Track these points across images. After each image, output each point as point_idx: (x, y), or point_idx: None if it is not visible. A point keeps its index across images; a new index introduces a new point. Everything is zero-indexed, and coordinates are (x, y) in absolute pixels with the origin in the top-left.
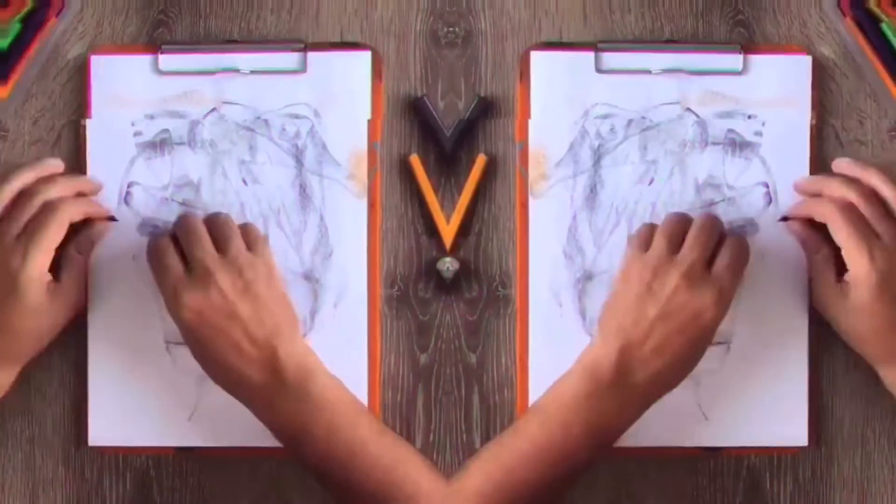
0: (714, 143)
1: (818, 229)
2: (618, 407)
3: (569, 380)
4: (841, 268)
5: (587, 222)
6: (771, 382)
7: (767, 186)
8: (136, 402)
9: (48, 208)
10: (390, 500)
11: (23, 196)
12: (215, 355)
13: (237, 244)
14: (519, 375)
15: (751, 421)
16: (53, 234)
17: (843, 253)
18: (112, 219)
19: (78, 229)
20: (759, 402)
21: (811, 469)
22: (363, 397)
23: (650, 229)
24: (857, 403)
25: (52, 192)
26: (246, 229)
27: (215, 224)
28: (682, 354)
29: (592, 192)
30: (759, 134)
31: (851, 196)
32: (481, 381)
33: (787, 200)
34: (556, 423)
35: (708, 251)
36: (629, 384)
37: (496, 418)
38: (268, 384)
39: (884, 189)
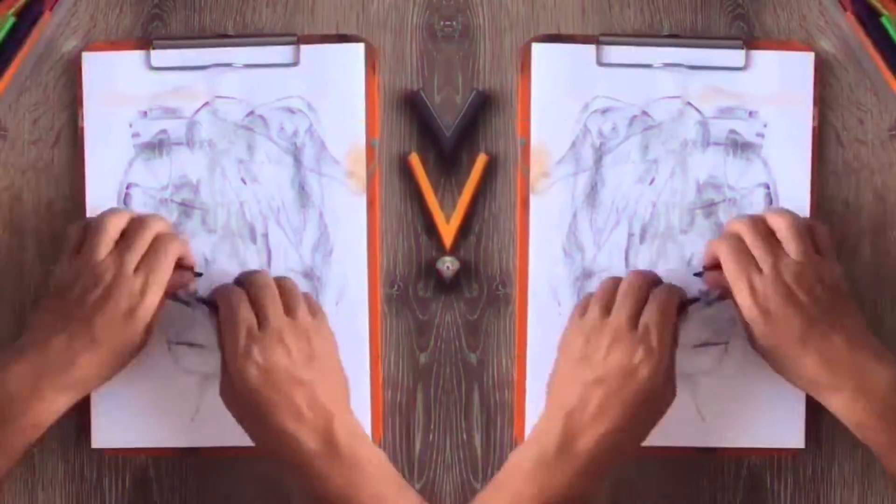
0: (716, 144)
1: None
2: (567, 476)
3: (521, 453)
4: None
5: (587, 221)
6: (768, 383)
7: (768, 187)
8: (138, 403)
9: (163, 242)
10: None
11: (130, 230)
12: (273, 419)
13: (304, 310)
14: (517, 374)
15: (748, 422)
16: (169, 268)
17: (731, 288)
18: (198, 274)
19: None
20: (757, 403)
21: (811, 469)
22: (364, 397)
23: (589, 297)
24: None
25: (160, 226)
26: (307, 298)
27: (283, 288)
28: (625, 416)
29: (593, 190)
30: (760, 135)
31: (740, 228)
32: (481, 381)
33: (788, 202)
34: (508, 494)
35: (636, 309)
36: (575, 452)
37: (496, 417)
38: (322, 452)
39: (774, 219)
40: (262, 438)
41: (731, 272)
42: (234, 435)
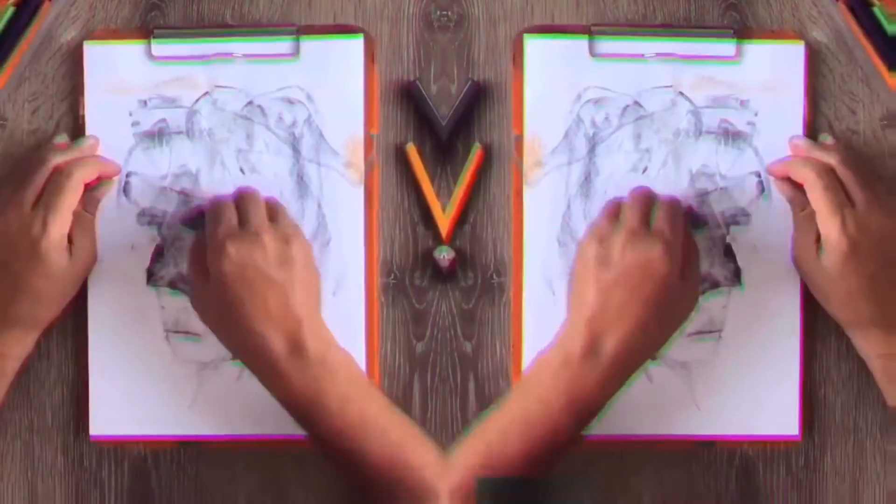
0: (707, 133)
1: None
2: (594, 378)
3: (546, 357)
4: None
5: (581, 210)
6: (763, 372)
7: (760, 176)
8: (136, 393)
9: (61, 173)
10: (397, 472)
11: (31, 165)
12: (242, 317)
13: (286, 219)
14: (513, 362)
15: (743, 411)
16: (70, 198)
17: (817, 216)
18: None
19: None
20: (751, 392)
21: (804, 458)
22: None
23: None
24: (849, 392)
25: (59, 157)
26: (290, 218)
27: (268, 201)
28: (647, 314)
29: (587, 180)
30: (751, 124)
31: (831, 160)
32: (476, 369)
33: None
34: (534, 398)
35: (645, 214)
36: (601, 353)
37: (491, 405)
38: (289, 354)
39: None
40: (230, 337)
41: (825, 201)
42: (232, 424)
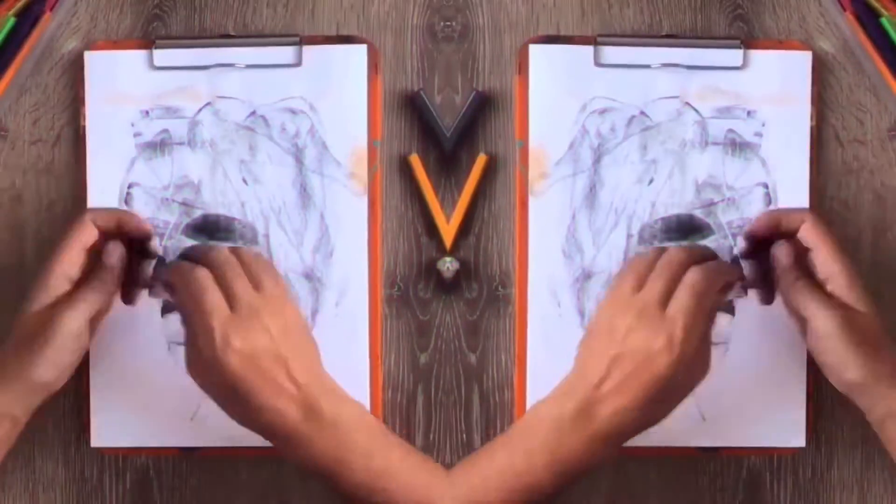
0: (714, 143)
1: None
2: (581, 442)
3: (539, 410)
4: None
5: (586, 222)
6: (769, 383)
7: (767, 187)
8: (138, 403)
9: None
10: None
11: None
12: (255, 399)
13: (270, 280)
14: (517, 375)
15: (749, 422)
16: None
17: (826, 264)
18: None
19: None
20: (758, 403)
21: (811, 469)
22: (364, 397)
23: (634, 261)
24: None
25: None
26: (265, 265)
27: (243, 260)
28: (644, 397)
29: (592, 191)
30: (759, 134)
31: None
32: (481, 381)
33: (787, 201)
34: (521, 450)
35: (668, 287)
36: (592, 418)
37: (496, 418)
38: (304, 420)
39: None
40: (242, 417)
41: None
42: (233, 435)
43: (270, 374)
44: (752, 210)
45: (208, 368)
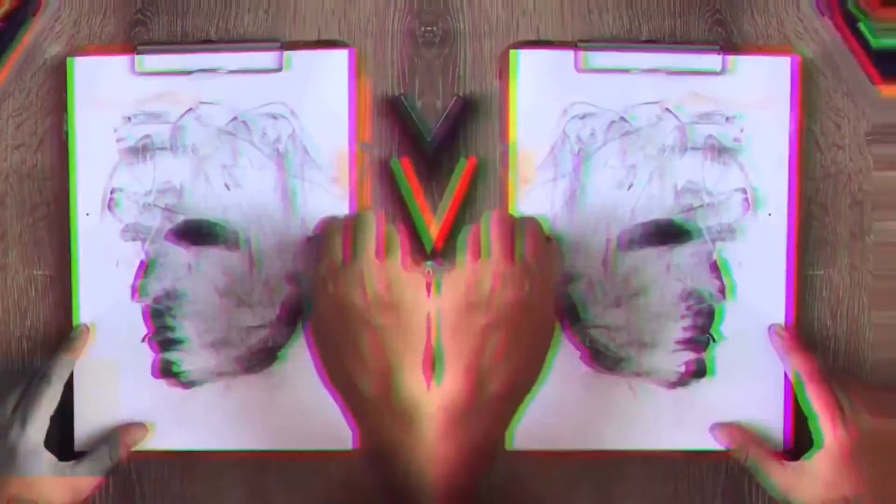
0: (693, 149)
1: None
2: (481, 427)
3: (433, 413)
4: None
5: (567, 226)
6: (750, 386)
7: (746, 192)
8: (121, 407)
9: (41, 378)
10: None
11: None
12: (337, 353)
13: (398, 258)
14: None
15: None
16: (47, 404)
17: (819, 420)
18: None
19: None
20: (738, 406)
21: None
22: None
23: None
24: None
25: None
26: (412, 255)
27: (387, 232)
28: (528, 351)
29: (572, 196)
30: (737, 140)
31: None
32: None
33: (765, 206)
34: (430, 453)
35: (510, 245)
36: (483, 402)
37: None
38: (377, 402)
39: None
40: (325, 368)
41: (821, 403)
42: (218, 438)
43: (354, 335)
44: (732, 215)
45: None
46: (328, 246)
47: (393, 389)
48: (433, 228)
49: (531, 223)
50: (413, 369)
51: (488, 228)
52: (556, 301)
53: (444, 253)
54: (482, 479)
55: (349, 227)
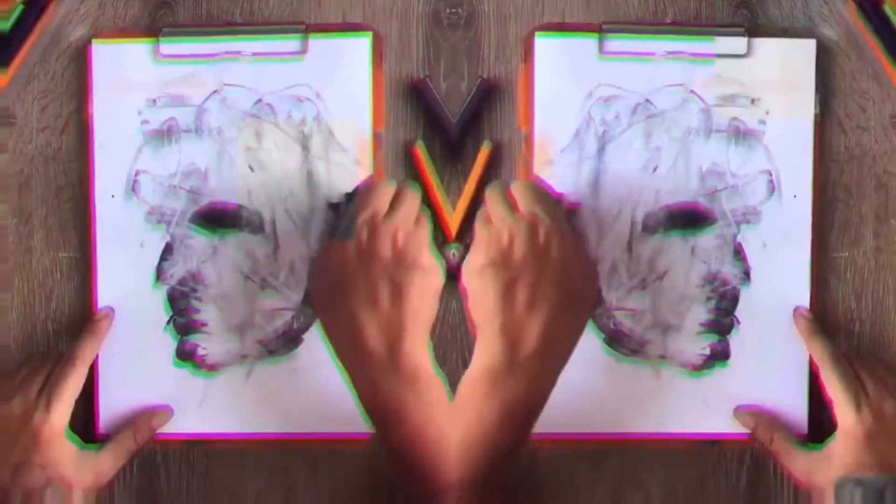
0: (718, 131)
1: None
2: (523, 384)
3: (471, 376)
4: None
5: (590, 209)
6: (772, 371)
7: (771, 174)
8: (145, 392)
9: (66, 360)
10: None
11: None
12: (349, 300)
13: (429, 230)
14: None
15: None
16: (73, 385)
17: (835, 405)
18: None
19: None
20: (761, 391)
21: None
22: None
23: None
24: None
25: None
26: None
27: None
28: (556, 301)
29: (596, 179)
30: (762, 122)
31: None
32: None
33: (791, 189)
34: (472, 414)
35: (513, 202)
36: (522, 358)
37: None
38: (382, 356)
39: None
40: (333, 322)
41: (840, 387)
42: (240, 423)
43: (373, 283)
44: (756, 198)
45: (329, 252)
46: (373, 198)
47: (400, 346)
48: (454, 213)
49: (526, 182)
50: (422, 329)
51: (492, 198)
52: (584, 252)
53: (462, 236)
54: (522, 444)
55: (393, 191)
